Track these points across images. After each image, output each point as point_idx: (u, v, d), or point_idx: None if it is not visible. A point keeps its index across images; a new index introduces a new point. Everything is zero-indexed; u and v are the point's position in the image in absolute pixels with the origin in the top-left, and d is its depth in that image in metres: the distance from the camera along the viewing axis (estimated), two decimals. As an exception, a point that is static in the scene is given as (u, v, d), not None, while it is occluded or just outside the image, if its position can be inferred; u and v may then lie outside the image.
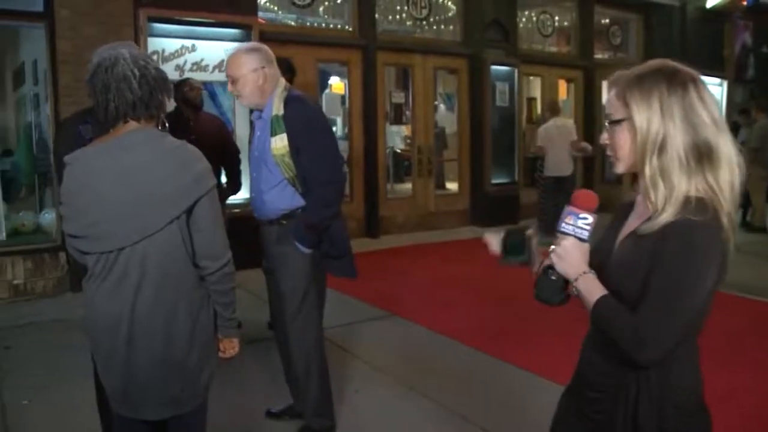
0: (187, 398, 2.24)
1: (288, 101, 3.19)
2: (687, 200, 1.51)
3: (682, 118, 1.53)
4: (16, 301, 6.04)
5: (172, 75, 6.72)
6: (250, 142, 3.46)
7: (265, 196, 3.26)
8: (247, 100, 3.24)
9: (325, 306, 4.89)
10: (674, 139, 1.53)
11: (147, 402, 2.20)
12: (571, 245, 1.60)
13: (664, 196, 1.53)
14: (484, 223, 9.86)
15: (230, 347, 2.42)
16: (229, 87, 3.25)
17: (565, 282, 1.64)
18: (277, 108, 3.18)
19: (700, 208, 1.50)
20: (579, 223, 1.60)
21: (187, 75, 6.75)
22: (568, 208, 1.62)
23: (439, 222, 9.96)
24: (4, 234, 6.44)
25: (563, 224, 1.62)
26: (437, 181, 10.51)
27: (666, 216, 1.51)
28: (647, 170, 1.56)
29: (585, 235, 1.60)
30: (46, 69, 6.36)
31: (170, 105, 2.34)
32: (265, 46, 3.29)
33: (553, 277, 1.65)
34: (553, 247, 1.64)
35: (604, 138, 1.66)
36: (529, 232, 1.88)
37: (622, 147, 1.61)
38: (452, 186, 10.78)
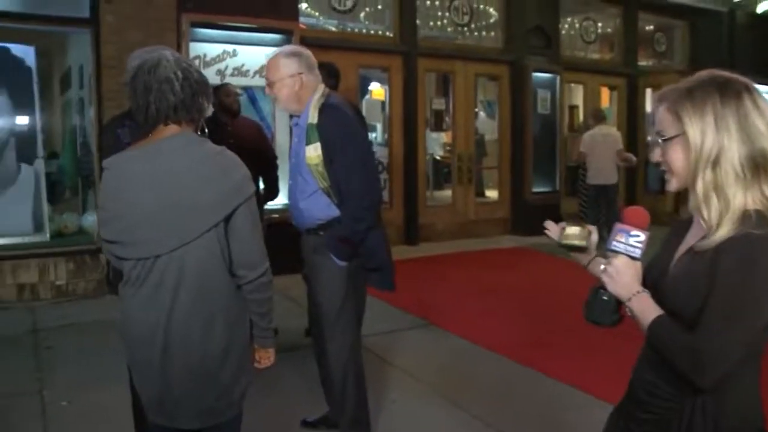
0: (223, 408, 2.20)
1: (323, 109, 3.11)
2: (746, 214, 1.45)
3: (737, 129, 1.47)
4: (59, 302, 6.12)
5: (213, 80, 6.76)
6: (290, 148, 3.41)
7: (300, 205, 3.21)
8: (282, 104, 3.19)
9: (365, 313, 4.89)
10: (729, 152, 1.47)
11: (182, 412, 2.17)
12: (623, 264, 1.54)
13: (719, 211, 1.47)
14: (524, 232, 9.73)
15: (266, 357, 2.37)
16: (267, 90, 3.21)
17: (618, 302, 1.57)
18: (313, 116, 3.10)
19: (761, 221, 1.43)
20: (631, 241, 1.54)
21: (227, 80, 6.78)
22: (619, 226, 1.56)
23: (479, 230, 9.85)
24: (48, 235, 6.54)
25: (614, 242, 1.56)
26: (477, 189, 10.41)
27: (723, 232, 1.45)
28: (699, 185, 1.50)
29: (637, 253, 1.54)
30: (91, 73, 6.45)
31: (210, 110, 2.30)
32: (307, 51, 3.22)
33: (605, 298, 1.58)
34: (603, 266, 1.58)
35: (657, 155, 1.60)
36: (590, 227, 1.81)
37: (676, 163, 1.55)
38: (492, 194, 10.67)
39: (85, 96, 7.37)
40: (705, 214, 1.49)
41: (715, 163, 1.48)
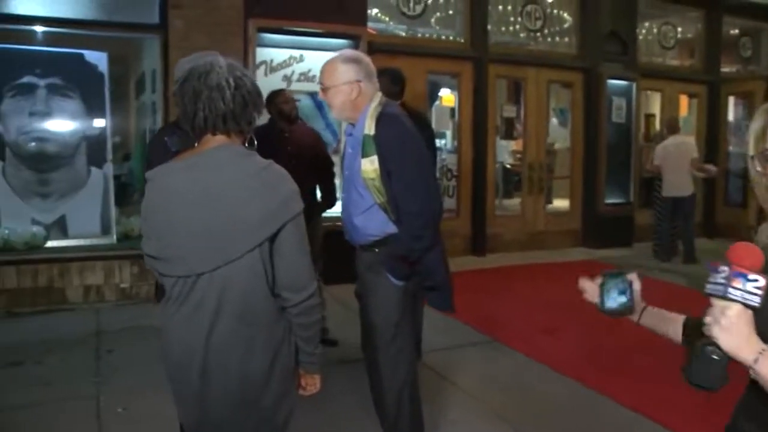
0: None
1: (381, 119, 2.92)
2: None
3: None
4: (123, 304, 6.17)
5: (280, 85, 6.75)
6: (342, 157, 3.21)
7: (354, 220, 3.02)
8: (336, 112, 3.03)
9: (425, 328, 4.72)
10: None
11: None
12: (738, 315, 1.27)
13: None
14: (595, 244, 9.42)
15: (312, 384, 2.23)
16: (320, 94, 3.04)
17: (729, 360, 1.30)
18: (369, 126, 2.91)
19: None
20: (749, 286, 1.26)
21: (294, 86, 6.75)
22: (734, 269, 1.28)
23: (548, 242, 9.56)
24: (114, 238, 6.62)
25: (730, 289, 1.27)
26: (547, 199, 10.12)
27: None
28: None
29: (756, 301, 1.26)
30: (160, 78, 6.51)
31: (260, 119, 2.17)
32: (366, 58, 3.05)
33: (715, 357, 1.29)
34: (708, 317, 1.31)
35: (757, 169, 1.40)
36: (630, 276, 1.63)
37: None
38: (563, 204, 10.34)
39: (156, 100, 7.46)
40: None
41: None
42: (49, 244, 6.35)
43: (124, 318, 5.71)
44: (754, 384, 1.38)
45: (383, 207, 2.92)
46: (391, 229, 2.96)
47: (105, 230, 6.60)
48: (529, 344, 5.19)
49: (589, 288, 1.67)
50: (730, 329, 1.27)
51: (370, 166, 2.90)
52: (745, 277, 1.26)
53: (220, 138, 2.00)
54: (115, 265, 6.20)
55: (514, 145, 11.43)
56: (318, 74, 3.10)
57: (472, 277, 7.66)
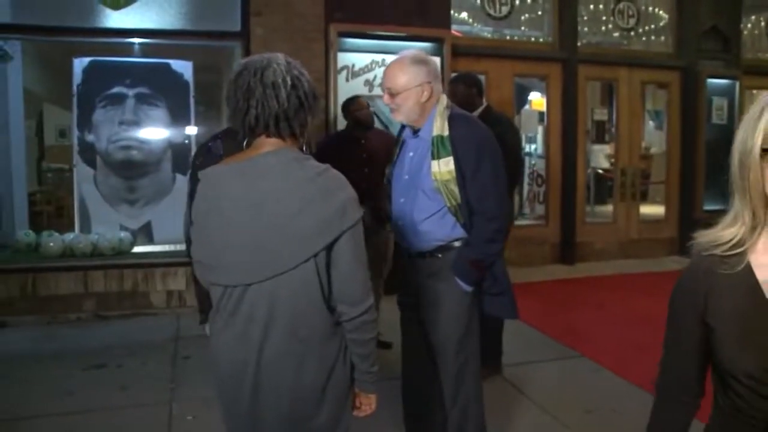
0: None
1: (453, 119, 2.82)
2: None
3: None
4: (203, 310, 6.22)
5: (362, 90, 6.70)
6: (394, 163, 3.06)
7: (420, 226, 2.87)
8: (404, 115, 2.87)
9: (506, 340, 4.53)
10: None
11: None
12: None
13: None
14: (693, 253, 8.90)
15: (367, 403, 2.11)
16: (386, 99, 2.88)
17: None
18: (441, 127, 2.80)
19: None
20: None
21: (376, 91, 6.67)
22: None
23: (642, 250, 9.08)
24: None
25: None
26: (641, 205, 9.66)
27: None
28: None
29: None
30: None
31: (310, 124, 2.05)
32: (432, 59, 2.94)
33: None
34: None
35: None
36: None
37: None
38: (658, 211, 9.83)
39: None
40: None
41: None
42: (135, 249, 6.50)
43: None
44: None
45: (453, 210, 2.80)
46: (459, 233, 2.85)
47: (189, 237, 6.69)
48: (619, 362, 4.86)
49: None
50: None
51: (445, 167, 2.78)
52: None
53: (274, 141, 1.90)
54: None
55: (608, 149, 10.99)
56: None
57: (560, 286, 7.36)
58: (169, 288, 6.21)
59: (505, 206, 2.89)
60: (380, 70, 6.88)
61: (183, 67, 6.81)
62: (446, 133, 2.79)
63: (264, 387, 1.90)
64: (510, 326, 4.51)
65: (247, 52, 6.36)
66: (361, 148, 4.73)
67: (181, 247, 6.51)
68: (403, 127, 3.07)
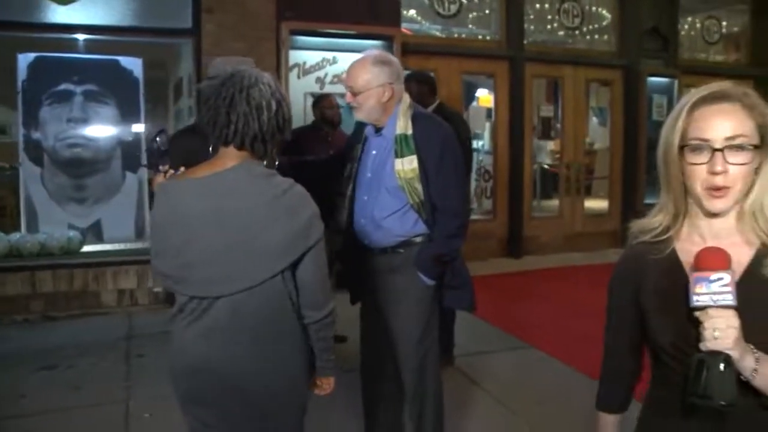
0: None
1: (416, 119, 2.90)
2: None
3: None
4: (156, 308, 6.20)
5: (313, 88, 6.76)
6: (357, 159, 3.07)
7: (383, 223, 2.93)
8: (365, 114, 2.92)
9: (457, 332, 4.65)
10: None
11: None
12: (726, 317, 1.26)
13: None
14: (636, 245, 9.19)
15: (327, 384, 2.24)
16: (348, 97, 2.92)
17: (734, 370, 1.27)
18: (404, 126, 2.87)
19: None
20: (714, 287, 1.26)
21: (327, 88, 6.73)
22: (694, 276, 1.29)
23: (587, 243, 9.34)
24: (148, 242, 6.66)
25: (694, 297, 1.28)
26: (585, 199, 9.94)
27: None
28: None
29: (729, 299, 1.25)
30: (194, 83, 6.56)
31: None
32: (395, 59, 2.99)
33: (723, 367, 1.25)
34: (704, 331, 1.28)
35: (723, 166, 1.36)
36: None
37: (745, 177, 1.38)
38: (602, 205, 10.12)
39: (192, 105, 7.52)
40: None
41: None
42: (85, 248, 6.42)
43: (156, 322, 5.71)
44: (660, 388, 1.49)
45: (416, 207, 2.88)
46: (421, 229, 2.93)
47: (139, 234, 6.65)
48: (567, 351, 5.02)
49: None
50: (723, 338, 1.25)
51: (408, 165, 2.85)
52: (707, 280, 1.27)
53: (240, 154, 1.94)
54: (148, 269, 6.24)
55: (552, 145, 11.24)
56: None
57: (508, 280, 7.54)
58: (120, 287, 6.16)
59: (466, 202, 3.01)
60: (331, 68, 6.94)
61: (132, 64, 6.73)
62: (410, 131, 2.86)
63: (228, 380, 1.96)
64: (460, 319, 4.62)
65: (198, 50, 6.36)
66: (327, 145, 4.85)
67: (133, 245, 6.49)
68: (358, 125, 3.13)
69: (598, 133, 11.14)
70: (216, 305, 1.93)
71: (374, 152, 3.00)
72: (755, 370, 1.27)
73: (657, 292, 1.43)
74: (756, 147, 1.37)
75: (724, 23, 10.74)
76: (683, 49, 10.10)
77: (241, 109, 1.89)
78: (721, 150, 1.36)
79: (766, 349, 1.32)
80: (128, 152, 6.69)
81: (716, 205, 1.38)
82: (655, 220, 1.51)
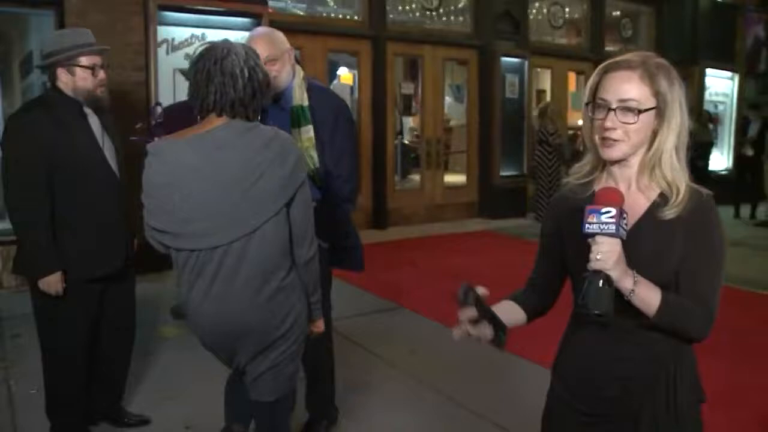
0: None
1: (312, 90, 3.06)
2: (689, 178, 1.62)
3: (685, 104, 1.62)
4: (25, 291, 6.01)
5: (182, 64, 6.69)
6: None
7: None
8: (284, 82, 2.99)
9: (334, 298, 4.91)
10: (684, 123, 1.61)
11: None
12: (610, 245, 1.48)
13: (680, 179, 1.60)
14: (492, 215, 9.84)
15: (316, 326, 2.49)
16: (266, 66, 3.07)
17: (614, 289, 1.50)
18: (300, 98, 3.02)
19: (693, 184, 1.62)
20: (603, 218, 1.48)
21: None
22: (588, 208, 1.51)
23: (447, 214, 9.92)
24: (12, 221, 6.43)
25: (585, 225, 1.49)
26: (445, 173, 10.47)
27: (686, 196, 1.58)
28: (666, 156, 1.60)
29: (613, 228, 1.47)
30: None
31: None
32: (281, 35, 3.10)
33: (601, 284, 1.48)
34: (590, 255, 1.50)
35: (612, 122, 1.58)
36: (481, 291, 1.72)
37: (636, 133, 1.59)
38: (460, 179, 10.73)
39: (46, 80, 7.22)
40: (668, 178, 1.60)
41: (679, 136, 1.61)
42: (-56, 228, 6.12)
43: (27, 303, 5.60)
44: (570, 326, 1.80)
45: (311, 174, 3.03)
46: (316, 194, 3.06)
47: (1, 216, 6.40)
48: (435, 310, 5.44)
49: (485, 331, 1.70)
50: (606, 259, 1.47)
51: (305, 135, 3.02)
52: (598, 212, 1.48)
53: (223, 118, 2.11)
54: (12, 250, 6.02)
55: (412, 121, 11.70)
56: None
57: (376, 249, 7.87)
58: (-15, 268, 5.94)
59: (357, 169, 3.23)
60: (200, 45, 6.90)
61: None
62: (306, 103, 3.03)
63: (240, 328, 2.19)
64: (336, 286, 4.87)
65: (61, 23, 6.16)
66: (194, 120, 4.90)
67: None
68: None
69: (456, 110, 11.69)
70: (216, 255, 2.10)
71: (272, 122, 3.15)
72: (632, 291, 1.50)
73: (574, 226, 1.57)
74: (648, 110, 1.57)
75: (567, 9, 11.59)
76: (532, 31, 10.81)
77: (217, 80, 2.06)
78: (614, 109, 1.57)
79: (657, 277, 1.55)
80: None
81: (606, 153, 1.61)
82: (582, 165, 1.74)
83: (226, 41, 2.16)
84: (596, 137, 1.63)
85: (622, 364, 1.66)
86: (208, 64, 2.08)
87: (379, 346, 4.69)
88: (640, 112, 1.57)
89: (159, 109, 2.86)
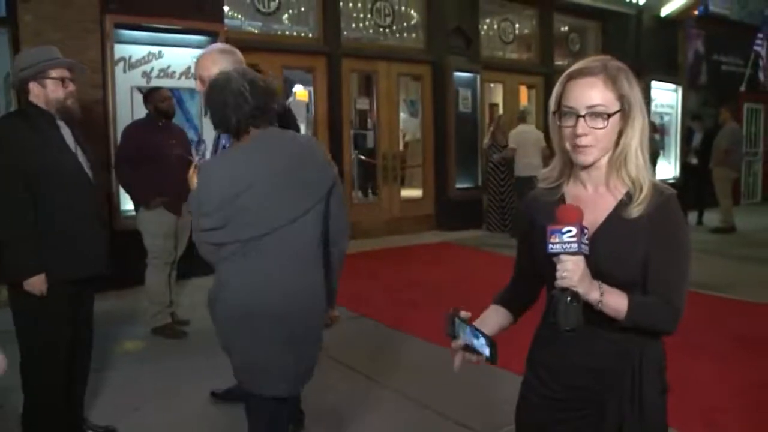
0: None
1: None
2: (653, 177, 1.70)
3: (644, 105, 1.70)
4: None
5: (139, 82, 6.77)
6: (214, 152, 3.17)
7: None
8: None
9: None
10: (646, 125, 1.69)
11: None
12: (574, 263, 1.54)
13: (644, 176, 1.67)
14: (448, 227, 10.01)
15: (335, 316, 2.86)
16: (198, 86, 3.09)
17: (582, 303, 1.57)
18: None
19: (658, 184, 1.70)
20: (564, 237, 1.53)
21: (154, 82, 6.78)
22: (549, 228, 1.55)
23: (405, 227, 10.06)
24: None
25: (549, 245, 1.54)
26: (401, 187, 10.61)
27: (649, 194, 1.65)
28: (631, 155, 1.67)
29: (575, 247, 1.52)
30: (10, 75, 6.32)
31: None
32: (237, 51, 3.22)
33: (569, 300, 1.54)
34: (557, 273, 1.55)
35: (583, 129, 1.64)
36: (463, 314, 1.78)
37: (606, 136, 1.66)
38: (417, 192, 10.89)
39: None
40: (633, 176, 1.67)
41: (642, 135, 1.68)
42: None
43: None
44: (545, 319, 1.82)
45: None
46: None
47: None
48: (395, 318, 5.67)
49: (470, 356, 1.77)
50: (572, 277, 1.53)
51: None
52: (559, 232, 1.53)
53: (258, 129, 2.39)
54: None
55: (369, 137, 11.81)
56: (177, 70, 3.25)
57: (335, 262, 8.00)
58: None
59: None
60: (157, 62, 6.99)
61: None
62: None
63: (290, 313, 2.38)
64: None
65: (15, 41, 6.15)
66: (168, 135, 5.03)
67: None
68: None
69: (410, 125, 11.86)
70: (262, 242, 2.31)
71: (223, 142, 3.14)
72: (600, 301, 1.58)
73: (541, 230, 1.62)
74: (615, 113, 1.63)
75: (517, 25, 11.92)
76: (484, 47, 11.09)
77: (231, 102, 2.34)
78: (583, 116, 1.63)
79: (624, 275, 1.64)
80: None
81: (581, 159, 1.67)
82: (551, 170, 1.81)
83: (221, 73, 2.44)
84: (566, 144, 1.69)
85: (594, 357, 1.74)
86: (217, 95, 2.35)
87: (341, 352, 4.79)
88: (608, 116, 1.63)
89: (204, 145, 3.16)
